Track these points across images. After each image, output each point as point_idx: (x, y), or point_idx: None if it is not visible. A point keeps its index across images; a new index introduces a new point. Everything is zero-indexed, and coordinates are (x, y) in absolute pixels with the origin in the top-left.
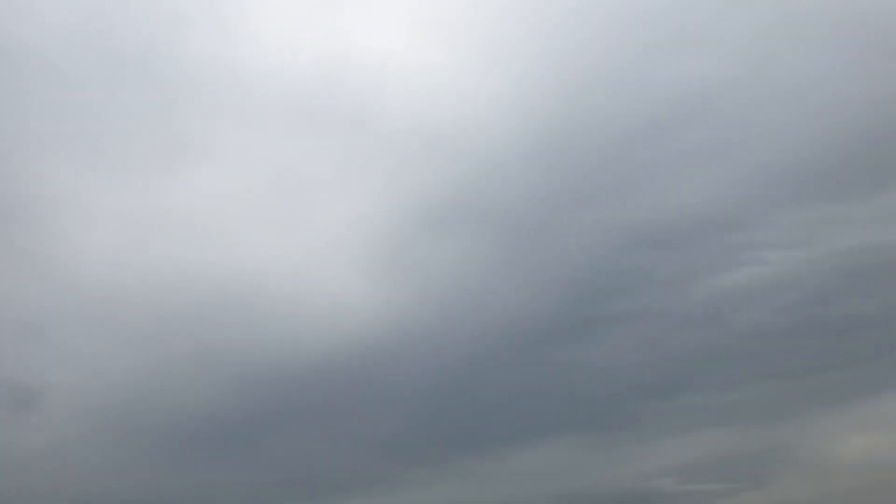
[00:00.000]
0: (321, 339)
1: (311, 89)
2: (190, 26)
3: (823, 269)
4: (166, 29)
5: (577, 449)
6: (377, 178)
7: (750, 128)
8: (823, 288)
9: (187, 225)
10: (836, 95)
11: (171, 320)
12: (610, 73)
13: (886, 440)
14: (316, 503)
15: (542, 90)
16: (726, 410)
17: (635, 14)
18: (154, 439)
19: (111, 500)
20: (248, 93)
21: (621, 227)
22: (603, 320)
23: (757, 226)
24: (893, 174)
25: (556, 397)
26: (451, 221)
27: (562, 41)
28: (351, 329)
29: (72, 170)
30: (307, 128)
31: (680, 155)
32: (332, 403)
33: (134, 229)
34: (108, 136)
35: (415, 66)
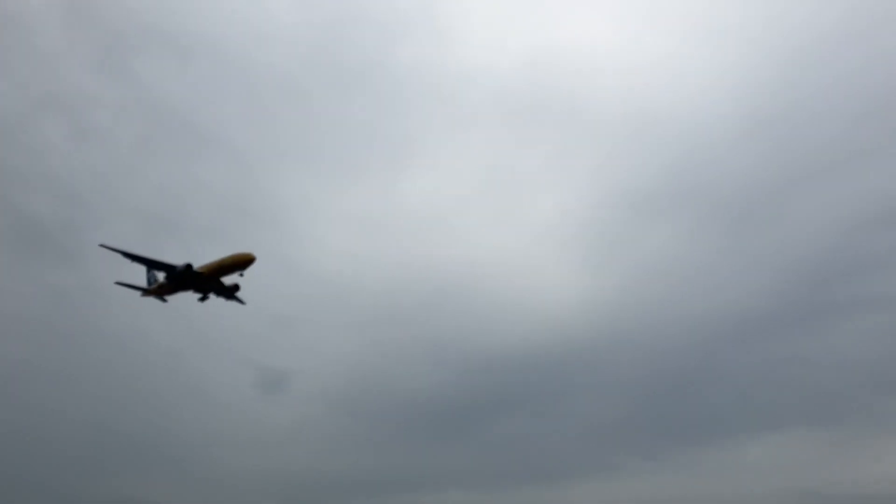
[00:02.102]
0: (537, 328)
1: (520, 84)
2: (406, 34)
3: None
4: (385, 39)
5: (807, 444)
6: (588, 166)
7: None
8: None
9: (410, 222)
10: None
11: (399, 310)
12: (835, 45)
13: None
14: (537, 488)
15: (762, 70)
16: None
17: None
18: (381, 420)
19: (340, 474)
20: (459, 94)
21: (856, 203)
22: (836, 308)
23: None
24: None
25: (786, 389)
26: (665, 206)
27: (781, 19)
28: (566, 317)
29: (306, 177)
30: (518, 123)
31: None
32: (550, 390)
33: (363, 228)
34: (335, 145)
35: (624, 54)
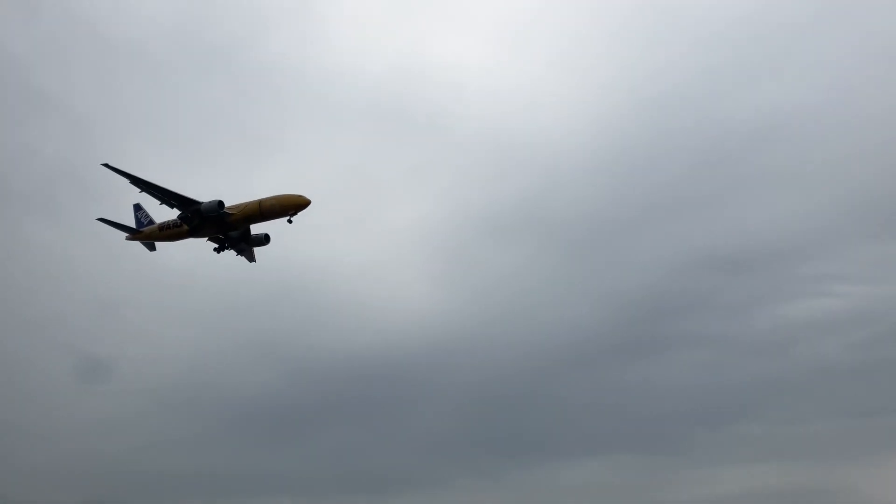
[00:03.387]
0: (381, 337)
1: (387, 92)
2: (279, 24)
3: None
4: (256, 25)
5: (627, 469)
6: (446, 181)
7: (828, 156)
8: None
9: None
10: None
11: (241, 301)
12: (690, 97)
13: None
14: (359, 498)
15: (618, 109)
16: (786, 445)
17: (718, 41)
18: (211, 418)
19: (160, 474)
20: (326, 92)
21: (689, 247)
22: (665, 341)
23: (830, 258)
24: None
25: (611, 415)
26: (516, 229)
27: (644, 63)
28: (411, 328)
29: (151, 153)
30: (383, 130)
31: (755, 180)
32: (388, 400)
33: None
34: (188, 124)
35: (489, 76)
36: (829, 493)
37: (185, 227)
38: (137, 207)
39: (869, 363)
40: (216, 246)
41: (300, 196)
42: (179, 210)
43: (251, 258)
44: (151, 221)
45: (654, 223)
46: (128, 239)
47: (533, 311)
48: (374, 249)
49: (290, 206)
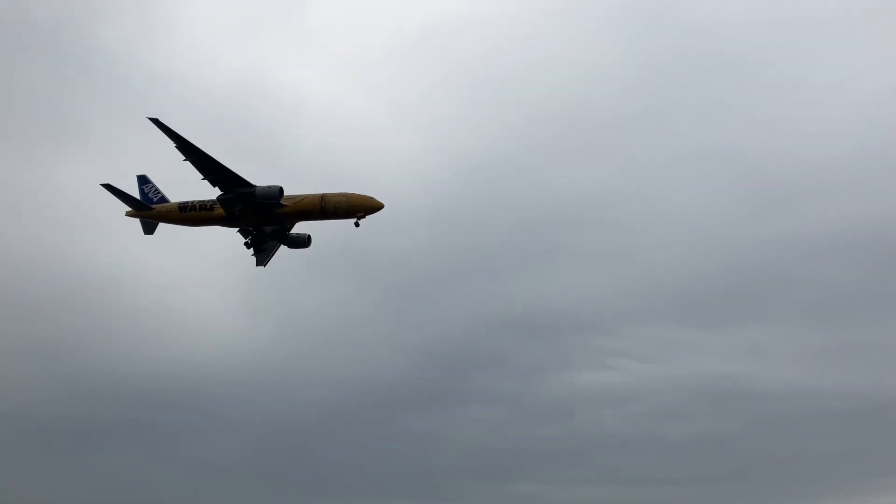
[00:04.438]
0: (176, 356)
1: (226, 106)
2: (115, 13)
3: (672, 387)
4: (90, 9)
5: None
6: None
7: (629, 242)
8: (669, 406)
9: (57, 208)
10: (713, 228)
11: (26, 299)
12: (520, 167)
13: None
14: None
15: (450, 168)
16: None
17: (553, 120)
18: None
19: None
20: (156, 94)
21: (496, 308)
22: (459, 396)
23: (620, 335)
24: (748, 313)
25: (398, 463)
26: (335, 266)
27: (484, 129)
28: (210, 352)
29: None
30: (217, 143)
31: (563, 255)
32: (169, 424)
33: None
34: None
35: (330, 110)
36: None
37: (221, 211)
38: (144, 180)
39: (638, 435)
40: (247, 240)
41: (374, 198)
42: (223, 191)
43: (264, 261)
44: (163, 199)
45: (466, 281)
46: (129, 215)
47: (339, 350)
48: (185, 260)
49: (360, 208)
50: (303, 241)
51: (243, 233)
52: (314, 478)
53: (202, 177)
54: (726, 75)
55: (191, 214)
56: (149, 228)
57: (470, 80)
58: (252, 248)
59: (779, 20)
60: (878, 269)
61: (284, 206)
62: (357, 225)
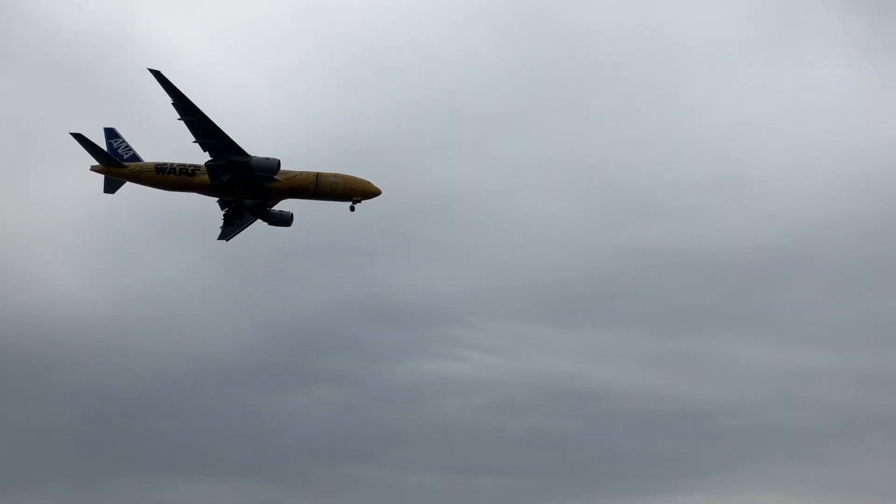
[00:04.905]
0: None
1: (78, 50)
2: None
3: (517, 382)
4: None
5: (243, 495)
6: None
7: (500, 239)
8: (512, 399)
9: None
10: (570, 233)
11: None
12: (391, 156)
13: None
14: None
15: (322, 148)
16: (399, 491)
17: (426, 112)
18: None
19: None
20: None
21: (354, 292)
22: (307, 377)
23: (474, 327)
24: (594, 317)
25: (235, 441)
26: (189, 234)
27: (360, 111)
28: (48, 306)
29: None
30: (59, 86)
31: (427, 245)
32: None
33: None
34: None
35: (199, 68)
36: None
37: (205, 178)
38: (112, 134)
39: (480, 426)
40: (227, 210)
41: (371, 183)
42: (213, 157)
43: (229, 235)
44: (135, 157)
45: (328, 263)
46: (94, 170)
47: (190, 321)
48: (32, 213)
49: (356, 192)
50: (285, 220)
51: (222, 203)
52: (145, 452)
53: (193, 140)
54: (599, 86)
55: (169, 178)
56: (112, 187)
57: (349, 60)
58: (223, 221)
59: (658, 40)
60: (711, 285)
61: (277, 180)
62: (352, 209)
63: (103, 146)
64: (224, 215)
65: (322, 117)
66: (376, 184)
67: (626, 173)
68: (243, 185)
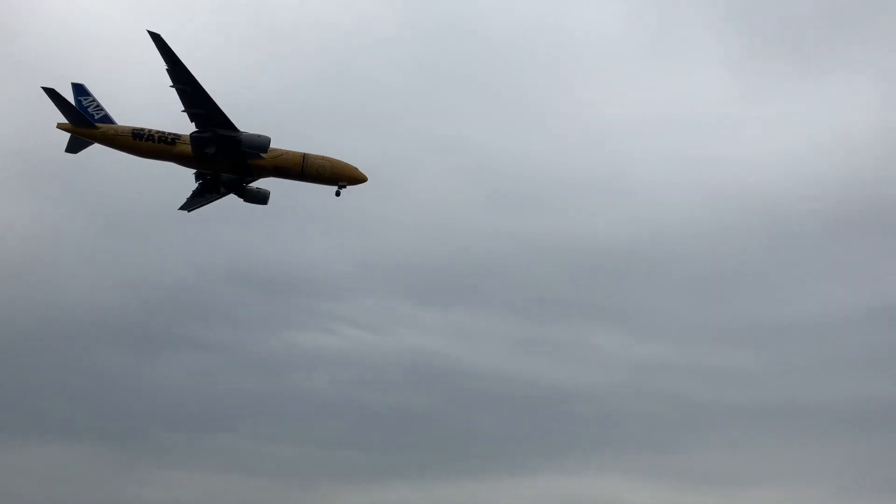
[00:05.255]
0: None
1: None
2: None
3: (386, 358)
4: None
5: (92, 458)
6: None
7: (380, 216)
8: (379, 375)
9: None
10: (450, 215)
11: None
12: (278, 122)
13: None
14: None
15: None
16: (259, 461)
17: (314, 75)
18: None
19: None
20: None
21: (226, 259)
22: (172, 340)
23: (346, 301)
24: (465, 298)
25: (93, 402)
26: (59, 183)
27: (257, 78)
28: None
29: None
30: None
31: (309, 217)
32: None
33: None
34: None
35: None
36: None
37: (186, 148)
38: (81, 90)
39: (344, 400)
40: (203, 181)
41: (358, 169)
42: (200, 128)
43: (192, 206)
44: (107, 117)
45: (199, 228)
46: (63, 128)
47: (48, 273)
48: None
49: (343, 177)
50: (263, 198)
51: (197, 175)
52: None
53: (183, 108)
54: (490, 73)
55: (146, 145)
56: (76, 146)
57: (246, 25)
58: (193, 192)
59: (555, 36)
60: (578, 276)
61: (262, 158)
62: (338, 194)
63: (54, 98)
64: (197, 187)
65: (210, 79)
66: (363, 170)
67: (509, 162)
68: (227, 160)
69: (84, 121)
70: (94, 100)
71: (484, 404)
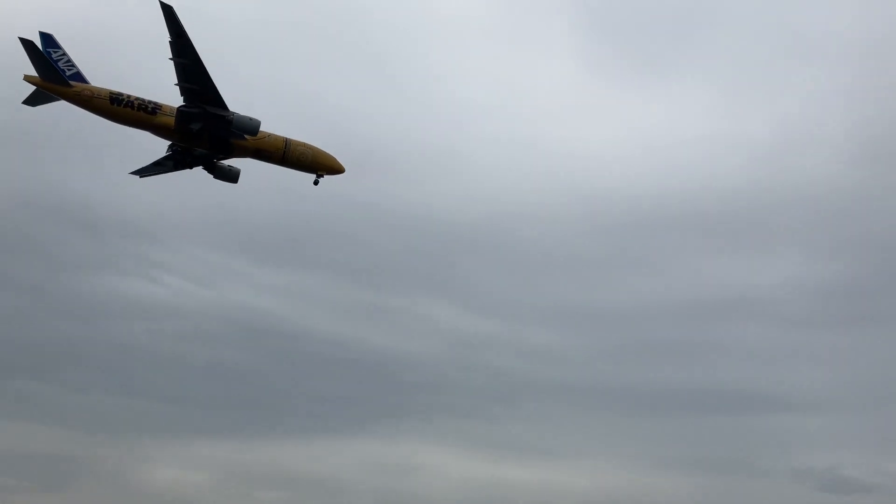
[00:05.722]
0: None
1: None
2: None
3: (211, 312)
4: None
5: None
6: None
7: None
8: (202, 329)
9: None
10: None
11: None
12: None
13: (193, 478)
14: None
15: None
16: (66, 411)
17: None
18: None
19: None
20: None
21: (40, 190)
22: None
23: (173, 250)
24: (298, 259)
25: None
26: None
27: None
28: None
29: None
30: None
31: (141, 153)
32: None
33: None
34: None
35: None
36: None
37: (167, 120)
38: (50, 41)
39: (165, 352)
40: (173, 152)
41: (337, 160)
42: (189, 103)
43: (147, 173)
44: (79, 75)
45: (19, 154)
46: (31, 80)
47: None
48: None
49: (322, 167)
50: (234, 176)
51: (173, 145)
52: None
53: (176, 82)
54: (347, 34)
55: (124, 112)
56: (37, 100)
57: None
58: (157, 161)
59: (422, 6)
60: (416, 247)
61: (245, 139)
62: (316, 183)
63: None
64: (165, 156)
65: None
66: (341, 161)
67: (356, 122)
68: (209, 137)
69: (58, 78)
70: (65, 54)
71: (308, 366)
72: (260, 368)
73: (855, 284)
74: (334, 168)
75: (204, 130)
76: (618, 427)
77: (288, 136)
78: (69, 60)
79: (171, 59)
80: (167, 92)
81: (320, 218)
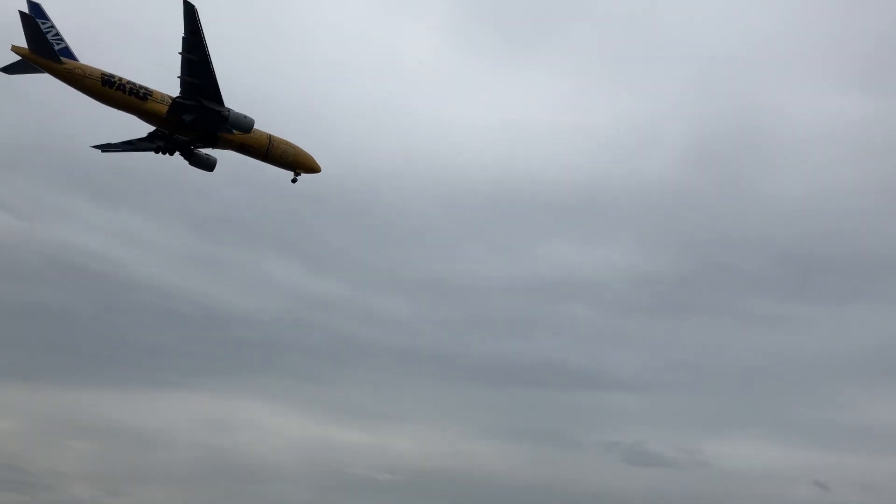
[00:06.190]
0: None
1: None
2: None
3: (33, 249)
4: None
5: None
6: None
7: (71, 95)
8: (24, 267)
9: None
10: None
11: None
12: None
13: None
14: None
15: None
16: None
17: None
18: None
19: None
20: None
21: None
22: None
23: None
24: (135, 202)
25: None
26: None
27: None
28: None
29: None
30: None
31: None
32: None
33: None
34: None
35: None
36: None
37: (158, 107)
38: (38, 10)
39: None
40: (155, 136)
41: (315, 160)
42: (185, 95)
43: (110, 149)
44: (67, 50)
45: None
46: (18, 51)
47: None
48: None
49: (302, 166)
50: (210, 165)
51: (155, 131)
52: None
53: (179, 75)
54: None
55: (115, 94)
56: (17, 69)
57: None
58: (130, 141)
59: None
60: (267, 204)
61: (233, 133)
62: (294, 181)
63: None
64: (142, 139)
65: None
66: (319, 162)
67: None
68: (198, 129)
69: (50, 52)
70: (53, 26)
71: (136, 314)
72: (83, 312)
73: (676, 275)
74: (312, 168)
75: (195, 122)
76: (449, 395)
77: (272, 133)
78: (57, 34)
79: (180, 53)
80: (151, 76)
81: (167, 162)
